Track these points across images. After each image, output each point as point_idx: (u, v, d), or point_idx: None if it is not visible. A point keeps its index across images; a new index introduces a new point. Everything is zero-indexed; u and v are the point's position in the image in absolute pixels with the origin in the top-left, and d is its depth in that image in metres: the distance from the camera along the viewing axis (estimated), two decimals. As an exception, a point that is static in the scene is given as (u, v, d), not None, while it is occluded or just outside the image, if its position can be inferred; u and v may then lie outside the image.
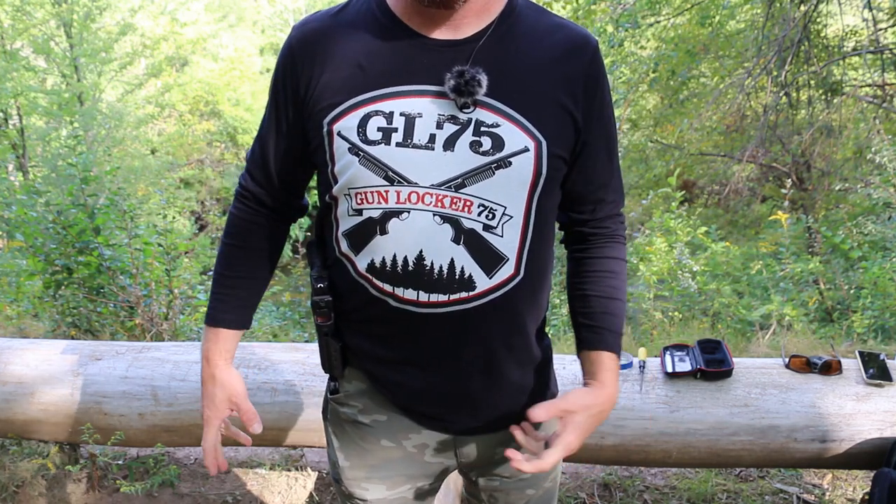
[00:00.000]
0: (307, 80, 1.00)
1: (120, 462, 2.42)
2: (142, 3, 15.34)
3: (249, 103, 19.02)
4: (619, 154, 1.21)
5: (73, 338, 3.49)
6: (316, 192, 1.12)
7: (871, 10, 6.15)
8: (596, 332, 1.09)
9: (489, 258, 0.98)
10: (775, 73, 6.41)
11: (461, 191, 0.95)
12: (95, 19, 13.77)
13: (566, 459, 1.27)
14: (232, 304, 1.15)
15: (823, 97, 6.98)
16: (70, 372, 2.07)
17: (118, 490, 2.26)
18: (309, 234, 1.19)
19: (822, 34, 7.20)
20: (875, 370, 1.90)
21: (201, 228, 15.22)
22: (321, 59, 1.00)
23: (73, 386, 2.05)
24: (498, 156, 0.95)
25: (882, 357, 1.96)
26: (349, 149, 0.97)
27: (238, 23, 23.15)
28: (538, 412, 1.01)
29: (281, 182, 1.11)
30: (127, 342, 2.39)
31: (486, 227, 0.97)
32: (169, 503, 2.30)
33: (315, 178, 1.12)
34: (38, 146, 12.33)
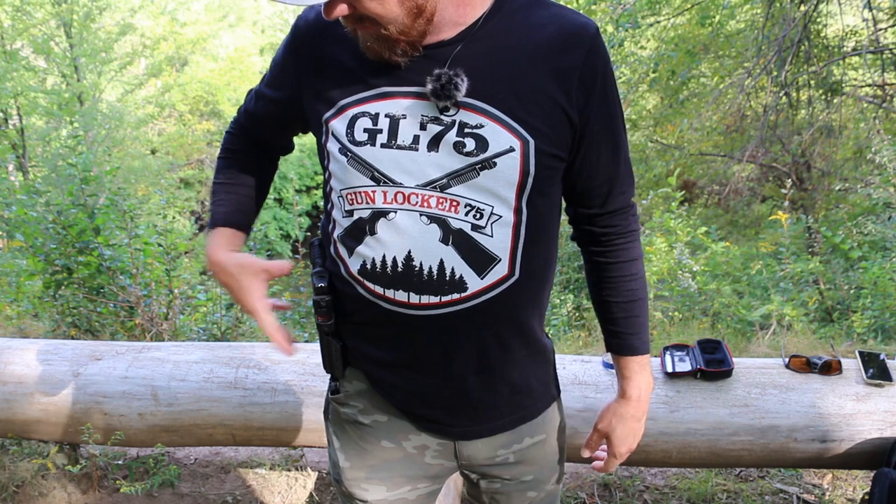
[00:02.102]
0: (303, 77, 1.04)
1: (120, 462, 2.42)
2: (142, 3, 15.34)
3: (249, 103, 18.99)
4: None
5: (73, 338, 3.49)
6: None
7: (871, 10, 6.14)
8: (622, 338, 1.15)
9: (480, 258, 0.97)
10: (775, 73, 6.41)
11: (446, 191, 0.95)
12: (95, 19, 13.78)
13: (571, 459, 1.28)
14: (226, 207, 1.17)
15: (823, 97, 6.98)
16: (70, 372, 2.07)
17: (118, 490, 2.26)
18: (309, 234, 1.20)
19: (822, 34, 7.20)
20: (875, 370, 1.90)
21: (201, 228, 15.21)
22: (317, 58, 1.02)
23: (73, 386, 2.05)
24: (482, 157, 0.94)
25: (882, 357, 1.96)
26: (339, 149, 0.99)
27: (238, 23, 23.15)
28: (585, 452, 1.22)
29: (265, 133, 1.20)
30: (127, 342, 2.39)
31: (475, 227, 0.96)
32: (169, 503, 2.30)
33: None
34: (38, 146, 12.34)
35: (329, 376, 1.17)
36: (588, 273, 1.16)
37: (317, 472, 2.42)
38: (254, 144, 1.21)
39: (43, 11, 12.78)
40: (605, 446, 1.21)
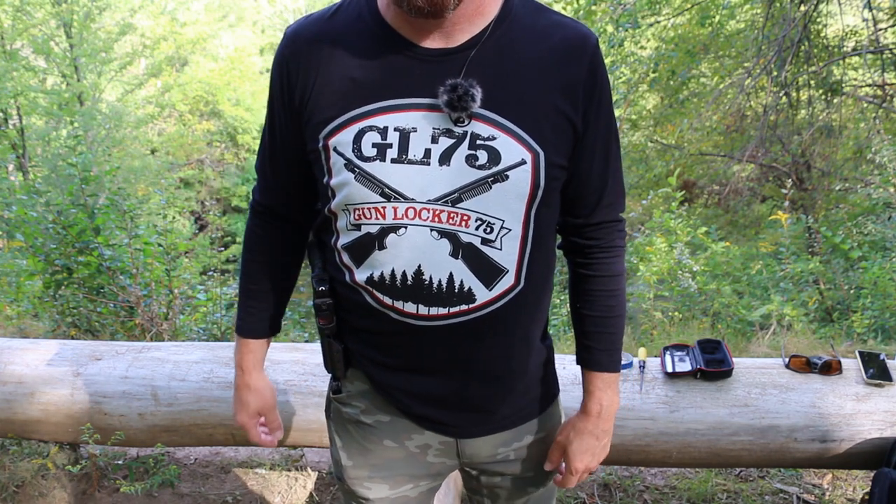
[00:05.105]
0: (301, 93, 0.99)
1: (120, 462, 2.42)
2: (142, 3, 15.34)
3: (249, 103, 19.03)
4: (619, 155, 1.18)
5: (73, 338, 3.49)
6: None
7: (871, 10, 6.14)
8: (591, 352, 1.13)
9: (488, 271, 0.97)
10: (775, 73, 6.40)
11: (458, 205, 0.94)
12: (95, 19, 13.79)
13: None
14: (258, 315, 1.19)
15: (823, 97, 6.98)
16: (70, 372, 2.07)
17: (118, 490, 2.26)
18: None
19: (822, 34, 7.20)
20: (875, 370, 1.90)
21: (201, 228, 15.23)
22: (314, 70, 0.98)
23: (73, 386, 2.05)
24: (494, 169, 0.93)
25: (882, 357, 1.96)
26: (345, 165, 0.95)
27: (238, 23, 23.16)
28: (547, 466, 1.17)
29: (292, 192, 1.11)
30: (127, 342, 2.39)
31: (485, 241, 0.96)
32: (169, 503, 2.30)
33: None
34: (38, 146, 12.34)
35: (329, 375, 1.17)
36: (569, 283, 1.16)
37: (317, 472, 2.42)
38: (276, 230, 1.15)
39: (43, 11, 12.77)
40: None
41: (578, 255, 1.11)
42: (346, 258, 1.02)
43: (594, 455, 1.14)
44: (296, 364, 2.04)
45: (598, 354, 1.12)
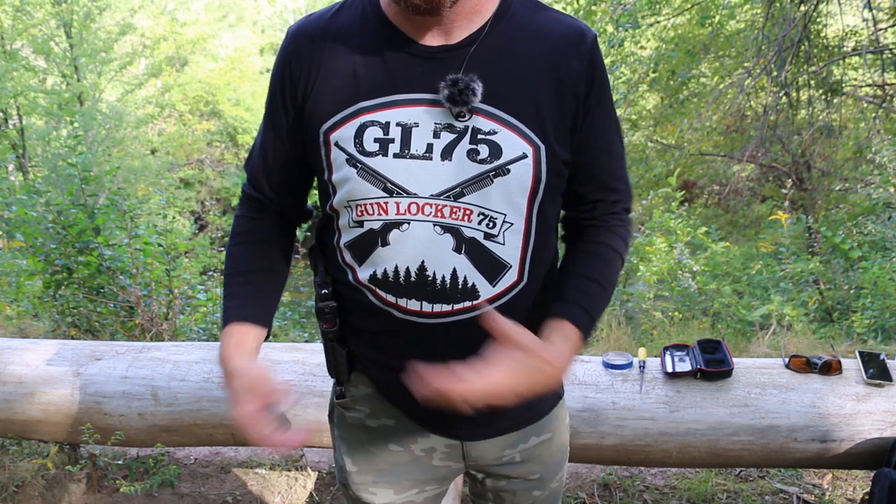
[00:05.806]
0: (304, 88, 0.99)
1: (120, 462, 2.42)
2: (142, 3, 15.33)
3: (249, 103, 19.01)
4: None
5: (73, 338, 3.49)
6: (317, 194, 1.11)
7: (871, 10, 6.14)
8: (563, 303, 0.98)
9: (491, 266, 0.97)
10: (775, 73, 6.40)
11: (460, 200, 0.94)
12: (95, 19, 13.78)
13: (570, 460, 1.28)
14: (239, 300, 1.06)
15: (823, 97, 6.98)
16: (70, 372, 2.07)
17: (118, 490, 2.26)
18: (309, 234, 1.18)
19: (822, 34, 7.20)
20: (875, 370, 1.90)
21: (201, 228, 15.22)
22: (317, 66, 0.98)
23: (73, 386, 2.05)
24: (496, 164, 0.93)
25: (882, 357, 1.96)
26: (347, 160, 0.95)
27: (238, 23, 23.14)
28: (489, 316, 0.88)
29: (283, 189, 1.10)
30: (127, 342, 2.39)
31: (487, 236, 0.96)
32: (169, 503, 2.30)
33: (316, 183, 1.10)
34: (38, 146, 12.33)
35: (331, 378, 1.16)
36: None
37: (317, 472, 2.42)
38: (268, 218, 1.11)
39: (43, 11, 12.76)
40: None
41: (579, 235, 1.08)
42: (348, 257, 1.02)
43: (519, 380, 0.88)
44: (296, 364, 2.04)
45: (572, 307, 0.97)
